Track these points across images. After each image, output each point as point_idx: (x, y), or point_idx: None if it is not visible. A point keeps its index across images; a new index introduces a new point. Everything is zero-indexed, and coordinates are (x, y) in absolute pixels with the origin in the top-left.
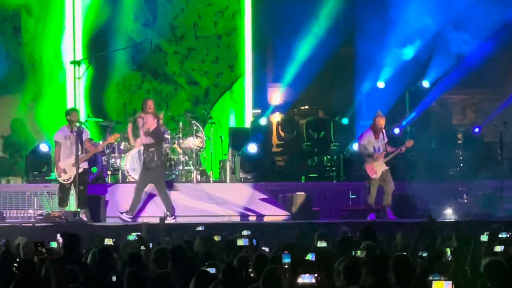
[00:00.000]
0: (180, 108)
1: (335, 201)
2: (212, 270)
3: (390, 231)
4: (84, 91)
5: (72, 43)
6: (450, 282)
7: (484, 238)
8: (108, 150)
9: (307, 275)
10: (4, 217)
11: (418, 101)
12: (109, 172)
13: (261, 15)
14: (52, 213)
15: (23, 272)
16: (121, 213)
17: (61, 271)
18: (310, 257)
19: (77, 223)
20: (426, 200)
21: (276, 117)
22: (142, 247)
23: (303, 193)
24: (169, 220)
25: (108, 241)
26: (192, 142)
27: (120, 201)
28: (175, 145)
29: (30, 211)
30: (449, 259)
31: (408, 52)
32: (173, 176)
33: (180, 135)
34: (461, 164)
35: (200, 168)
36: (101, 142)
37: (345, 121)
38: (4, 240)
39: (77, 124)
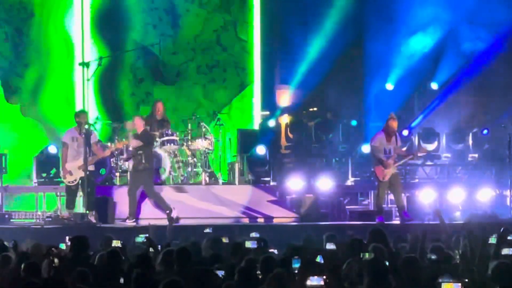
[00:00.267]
0: (189, 110)
1: (344, 203)
2: (220, 273)
3: (399, 233)
4: (94, 92)
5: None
6: (460, 284)
7: (492, 240)
8: (116, 152)
9: (316, 277)
10: (12, 219)
11: (426, 103)
12: (117, 174)
13: (269, 17)
14: (61, 215)
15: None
16: (124, 220)
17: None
18: (318, 259)
19: (85, 225)
20: (435, 202)
21: (285, 119)
22: (151, 249)
23: (311, 195)
24: (129, 223)
25: (116, 243)
26: (201, 144)
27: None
28: (184, 147)
29: (39, 213)
30: (458, 262)
31: (419, 43)
32: (182, 178)
33: (189, 137)
34: (470, 166)
35: (209, 170)
36: (109, 144)
37: (353, 123)
38: (13, 241)
39: (86, 126)
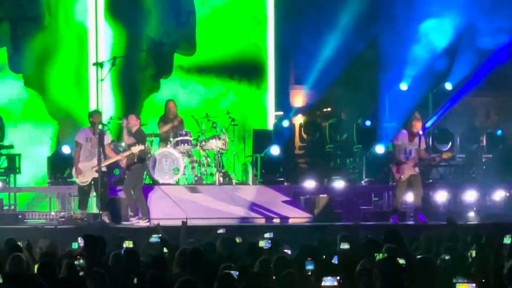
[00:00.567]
0: (202, 110)
1: (358, 203)
2: (234, 273)
3: (413, 233)
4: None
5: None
6: (474, 284)
7: (507, 240)
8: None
9: (330, 277)
10: (25, 219)
11: (441, 103)
12: None
13: (283, 17)
14: (74, 215)
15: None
16: (138, 221)
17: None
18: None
19: (98, 225)
20: (449, 203)
21: (299, 119)
22: (165, 249)
23: (325, 195)
24: (142, 223)
25: (128, 243)
26: (215, 144)
27: None
28: (198, 147)
29: (52, 213)
30: (472, 262)
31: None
32: (196, 178)
33: (203, 137)
34: (484, 167)
35: (223, 170)
36: (124, 145)
37: (367, 123)
38: (26, 242)
39: (99, 127)
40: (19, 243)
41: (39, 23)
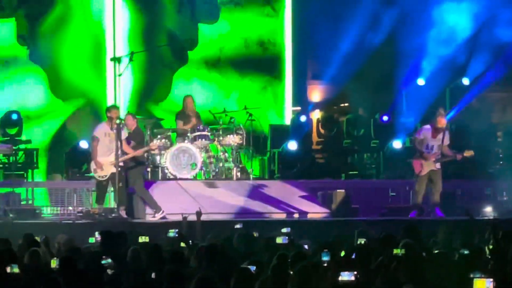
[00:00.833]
0: (220, 105)
1: (375, 198)
2: (252, 268)
3: (431, 228)
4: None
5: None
6: (492, 280)
7: None
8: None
9: (347, 272)
10: (43, 214)
11: (458, 99)
12: (149, 169)
13: (301, 12)
14: (92, 210)
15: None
16: (152, 216)
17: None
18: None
19: (116, 220)
20: (466, 198)
21: (316, 115)
22: (182, 244)
23: (342, 190)
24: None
25: (145, 239)
26: (232, 139)
27: (160, 198)
28: (215, 142)
29: (70, 208)
30: (489, 257)
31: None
32: (213, 173)
33: (220, 132)
34: (501, 162)
35: (240, 165)
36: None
37: (385, 118)
38: (44, 237)
39: (117, 122)
40: (36, 238)
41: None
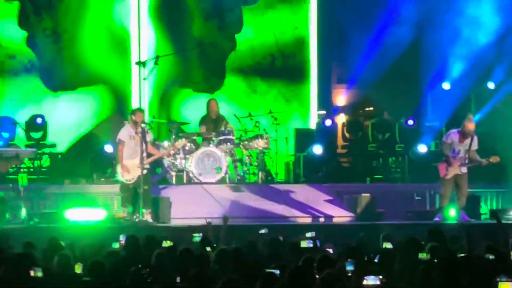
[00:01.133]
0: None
1: (400, 202)
2: (276, 272)
3: (456, 233)
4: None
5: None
6: None
7: None
8: (172, 154)
9: (372, 276)
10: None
11: (483, 103)
12: (173, 173)
13: (326, 16)
14: (117, 214)
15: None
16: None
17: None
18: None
19: (141, 224)
20: (491, 202)
21: (341, 119)
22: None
23: (368, 194)
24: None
25: (167, 243)
26: (257, 143)
27: (185, 202)
28: (240, 146)
29: (95, 211)
30: None
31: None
32: (238, 177)
33: (246, 136)
34: None
35: (265, 169)
36: (166, 143)
37: (410, 122)
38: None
39: (142, 125)
40: (62, 242)
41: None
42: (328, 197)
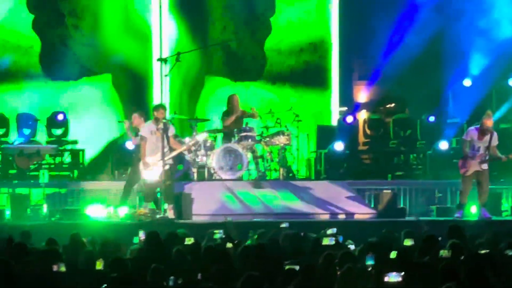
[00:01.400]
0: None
1: (421, 199)
2: (297, 268)
3: (477, 230)
4: (170, 88)
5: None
6: None
7: None
8: (194, 148)
9: (394, 273)
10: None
11: (504, 99)
12: (194, 170)
13: (348, 12)
14: (138, 211)
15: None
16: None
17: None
18: (395, 255)
19: (162, 220)
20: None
21: (363, 115)
22: (229, 245)
23: (389, 191)
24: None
25: (189, 241)
26: (278, 139)
27: (206, 199)
28: (262, 143)
29: (116, 208)
30: None
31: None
32: (259, 174)
33: (267, 133)
34: None
35: (286, 166)
36: (187, 139)
37: (431, 119)
38: (90, 237)
39: (164, 121)
40: (84, 239)
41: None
42: (349, 194)
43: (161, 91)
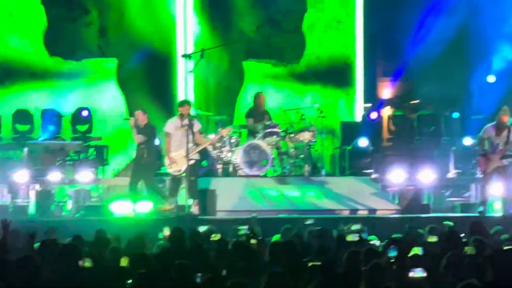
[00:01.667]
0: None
1: (446, 195)
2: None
3: (501, 225)
4: (194, 84)
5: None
6: None
7: None
8: (219, 144)
9: (419, 269)
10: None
11: None
12: (219, 166)
13: (372, 8)
14: (163, 207)
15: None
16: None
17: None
18: (419, 251)
19: (187, 216)
20: None
21: (387, 111)
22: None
23: (413, 187)
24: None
25: (215, 237)
26: (303, 135)
27: (231, 195)
28: (286, 139)
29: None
30: None
31: None
32: (284, 170)
33: (291, 129)
34: None
35: (311, 162)
36: (212, 136)
37: (455, 115)
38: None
39: (189, 117)
40: (109, 236)
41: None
42: (373, 190)
43: (185, 87)
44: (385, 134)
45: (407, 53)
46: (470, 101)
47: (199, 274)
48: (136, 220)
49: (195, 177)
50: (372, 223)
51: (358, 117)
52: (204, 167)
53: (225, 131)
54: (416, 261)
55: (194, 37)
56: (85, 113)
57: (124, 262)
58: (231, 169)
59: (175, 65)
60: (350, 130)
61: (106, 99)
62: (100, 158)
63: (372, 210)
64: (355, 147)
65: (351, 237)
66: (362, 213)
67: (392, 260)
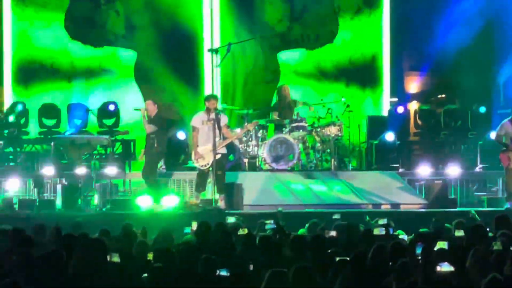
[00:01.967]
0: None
1: (472, 189)
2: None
3: None
4: (221, 78)
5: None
6: None
7: None
8: (245, 138)
9: (446, 263)
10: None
11: None
12: (246, 160)
13: (399, 2)
14: (190, 201)
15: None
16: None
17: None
18: (444, 245)
19: (214, 211)
20: None
21: (414, 106)
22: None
23: (440, 181)
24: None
25: (242, 231)
26: (330, 130)
27: (257, 189)
28: (313, 133)
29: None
30: None
31: None
32: (311, 164)
33: (318, 123)
34: None
35: (338, 156)
36: (239, 130)
37: (482, 109)
38: (142, 228)
39: (216, 111)
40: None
41: None
42: (400, 184)
43: (212, 81)
44: (412, 129)
45: (434, 47)
46: (497, 95)
47: (225, 269)
48: (162, 214)
49: (222, 172)
50: (399, 217)
51: (385, 111)
52: (230, 161)
53: (251, 125)
54: (442, 255)
55: (220, 31)
56: (111, 107)
57: (150, 256)
58: (257, 163)
59: (201, 59)
60: (377, 125)
61: (132, 94)
62: (127, 152)
63: (399, 205)
64: (381, 142)
65: (378, 231)
66: (389, 207)
67: (417, 257)
